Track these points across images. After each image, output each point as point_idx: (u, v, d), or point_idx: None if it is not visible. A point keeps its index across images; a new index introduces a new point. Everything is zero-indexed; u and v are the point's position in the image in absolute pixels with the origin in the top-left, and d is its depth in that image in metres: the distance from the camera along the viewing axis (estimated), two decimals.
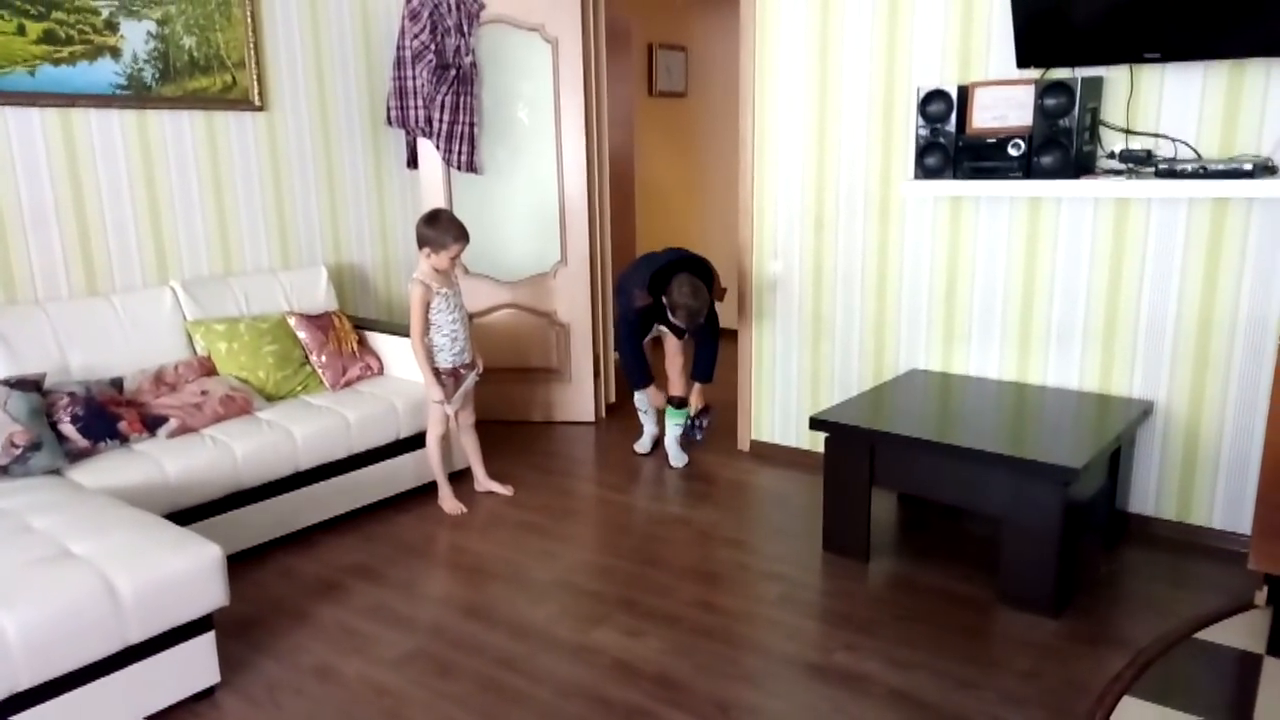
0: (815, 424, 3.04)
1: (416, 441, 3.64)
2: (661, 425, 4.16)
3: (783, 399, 4.04)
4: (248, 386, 3.47)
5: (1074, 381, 3.28)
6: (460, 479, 3.78)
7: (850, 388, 3.81)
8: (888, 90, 3.49)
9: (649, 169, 6.29)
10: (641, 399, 4.11)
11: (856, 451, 2.97)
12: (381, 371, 3.92)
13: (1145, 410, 3.05)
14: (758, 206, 3.94)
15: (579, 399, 4.63)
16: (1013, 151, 3.04)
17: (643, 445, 4.21)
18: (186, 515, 2.96)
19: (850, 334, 3.78)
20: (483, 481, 3.75)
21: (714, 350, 3.91)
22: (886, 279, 3.64)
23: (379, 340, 3.93)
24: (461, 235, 3.46)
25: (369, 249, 4.48)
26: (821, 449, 3.15)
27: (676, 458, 4.05)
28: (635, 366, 3.90)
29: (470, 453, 3.73)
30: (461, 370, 3.53)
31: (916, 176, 3.28)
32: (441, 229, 3.43)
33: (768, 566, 3.07)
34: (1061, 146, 2.94)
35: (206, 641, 2.32)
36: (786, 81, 3.74)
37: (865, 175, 3.61)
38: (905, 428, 2.93)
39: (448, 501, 3.59)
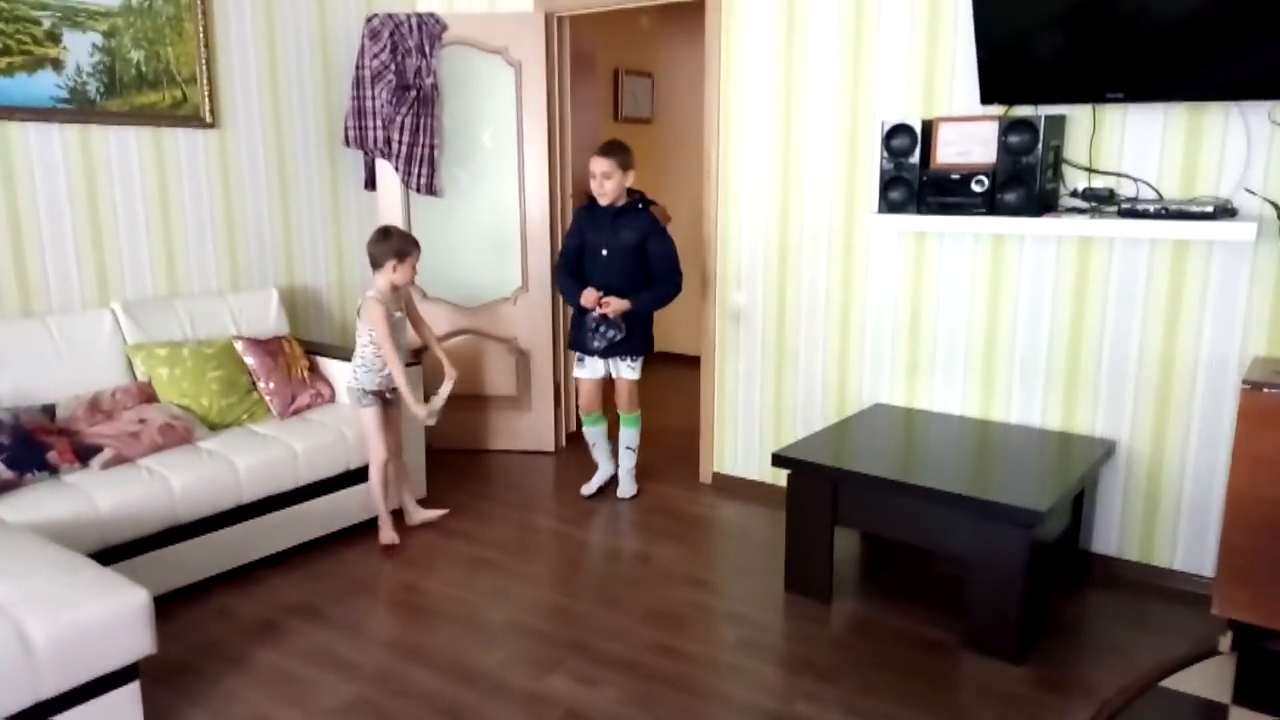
0: (778, 460, 2.98)
1: (366, 472, 3.51)
2: (615, 463, 4.05)
3: (745, 431, 3.97)
4: (190, 414, 3.32)
5: (1037, 419, 3.25)
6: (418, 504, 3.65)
7: (813, 421, 3.76)
8: (852, 121, 3.47)
9: None
10: (592, 431, 3.98)
11: (819, 490, 2.91)
12: (333, 399, 3.79)
13: (1108, 450, 3.02)
14: (722, 236, 3.89)
15: (538, 428, 4.53)
16: (976, 188, 3.02)
17: (590, 487, 3.98)
18: (118, 552, 2.81)
19: (813, 366, 3.73)
20: (413, 514, 3.61)
21: (662, 292, 3.67)
22: (850, 312, 3.60)
23: (331, 366, 3.80)
24: (417, 244, 3.49)
25: (324, 271, 4.35)
26: (784, 483, 3.08)
27: (626, 487, 3.97)
28: (568, 286, 3.74)
29: (402, 475, 3.58)
30: (388, 394, 3.43)
31: (880, 210, 3.25)
32: (400, 239, 3.41)
33: (729, 607, 2.99)
34: (1025, 184, 2.92)
35: (130, 693, 2.18)
36: (751, 110, 3.71)
37: (829, 207, 3.58)
38: (869, 466, 2.87)
39: (384, 532, 3.46)
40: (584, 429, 4.00)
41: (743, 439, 3.99)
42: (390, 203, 4.38)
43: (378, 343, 3.35)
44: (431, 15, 4.19)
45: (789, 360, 3.79)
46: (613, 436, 4.00)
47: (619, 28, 5.97)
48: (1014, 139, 2.91)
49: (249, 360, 3.58)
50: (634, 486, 3.98)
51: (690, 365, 6.37)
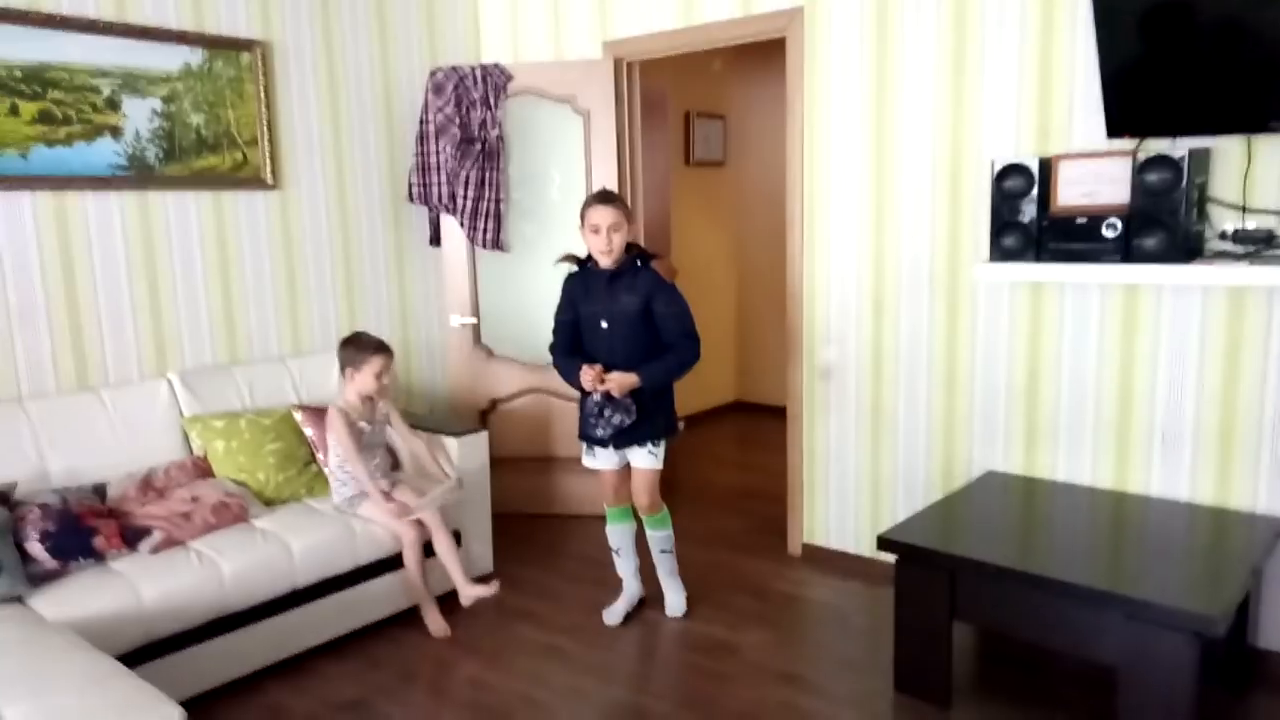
0: (885, 544, 2.62)
1: (429, 547, 3.26)
2: (643, 579, 3.34)
3: (839, 499, 3.62)
4: (245, 490, 3.14)
5: (1183, 492, 2.83)
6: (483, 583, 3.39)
7: (916, 489, 3.39)
8: (954, 163, 3.14)
9: (686, 240, 5.98)
10: (616, 532, 3.25)
11: (933, 580, 2.54)
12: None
13: (1277, 531, 2.59)
14: (808, 287, 3.58)
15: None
16: (1108, 232, 2.65)
17: (614, 615, 3.21)
18: (163, 646, 2.61)
19: (916, 429, 3.37)
20: (465, 592, 3.21)
21: (675, 362, 2.97)
22: (957, 369, 3.24)
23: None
24: (380, 348, 3.22)
25: (388, 331, 4.17)
26: (885, 556, 2.72)
27: (675, 602, 3.27)
28: (566, 366, 3.04)
29: (445, 555, 3.20)
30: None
31: (992, 259, 2.91)
32: (357, 345, 3.22)
33: (831, 711, 2.63)
34: (1165, 227, 2.55)
35: None
36: (839, 151, 3.41)
37: (930, 255, 3.24)
38: (990, 551, 2.50)
39: (432, 622, 3.18)
40: (606, 528, 3.28)
41: (836, 507, 3.63)
42: (456, 259, 4.19)
43: (341, 456, 3.16)
44: (496, 66, 4.03)
45: (887, 422, 3.44)
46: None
47: (690, 69, 5.76)
48: (1152, 177, 2.55)
49: (308, 431, 3.39)
50: (683, 598, 3.28)
51: (776, 417, 6.05)
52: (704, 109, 5.93)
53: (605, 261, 2.96)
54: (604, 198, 2.99)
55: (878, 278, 3.39)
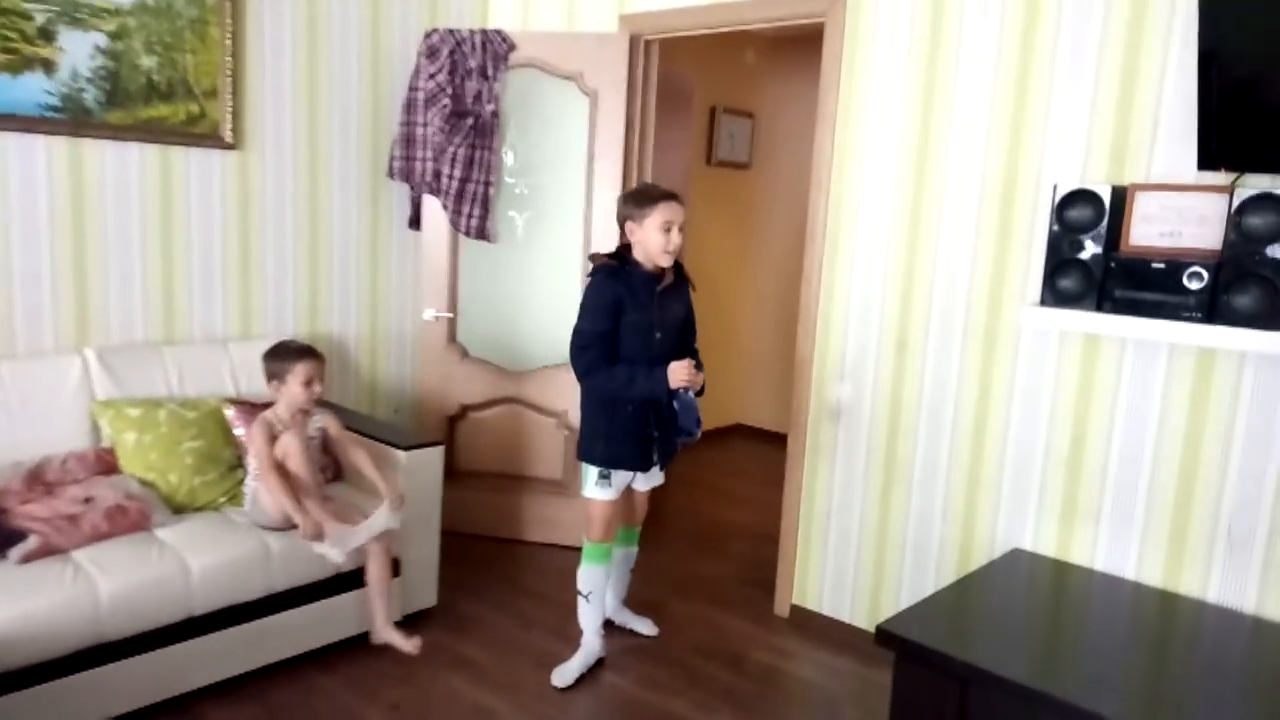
0: (885, 639, 2.16)
1: (360, 575, 2.84)
2: (602, 639, 2.93)
3: (837, 558, 3.16)
4: (152, 493, 2.72)
5: (1249, 602, 2.36)
6: (423, 619, 2.96)
7: (927, 558, 2.92)
8: (1007, 183, 2.67)
9: (697, 248, 5.53)
10: (596, 575, 2.85)
11: (941, 690, 2.08)
12: (339, 477, 3.15)
13: None
14: (824, 313, 3.12)
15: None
16: (1191, 283, 2.18)
17: (566, 674, 2.79)
18: (19, 678, 2.19)
19: (933, 487, 2.91)
20: (380, 633, 2.84)
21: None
22: (987, 425, 2.77)
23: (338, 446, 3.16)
24: (305, 352, 2.81)
25: (354, 319, 3.75)
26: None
27: (644, 622, 3.13)
28: (629, 375, 2.65)
29: (374, 587, 2.82)
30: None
31: (1044, 302, 2.44)
32: (280, 353, 2.83)
33: None
34: (1265, 283, 2.08)
35: None
36: (874, 160, 2.95)
37: (968, 290, 2.78)
38: (1016, 663, 2.04)
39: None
40: (583, 568, 2.86)
41: (833, 568, 3.17)
42: (435, 246, 3.76)
43: (254, 471, 2.74)
44: (498, 33, 3.59)
45: (900, 476, 2.98)
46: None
47: (719, 60, 5.31)
48: (1254, 220, 2.08)
49: (239, 430, 2.97)
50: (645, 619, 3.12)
51: (779, 446, 5.60)
52: (732, 105, 5.47)
53: (666, 262, 2.69)
54: (670, 194, 2.67)
55: (904, 310, 2.92)
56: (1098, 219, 2.34)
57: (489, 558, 3.65)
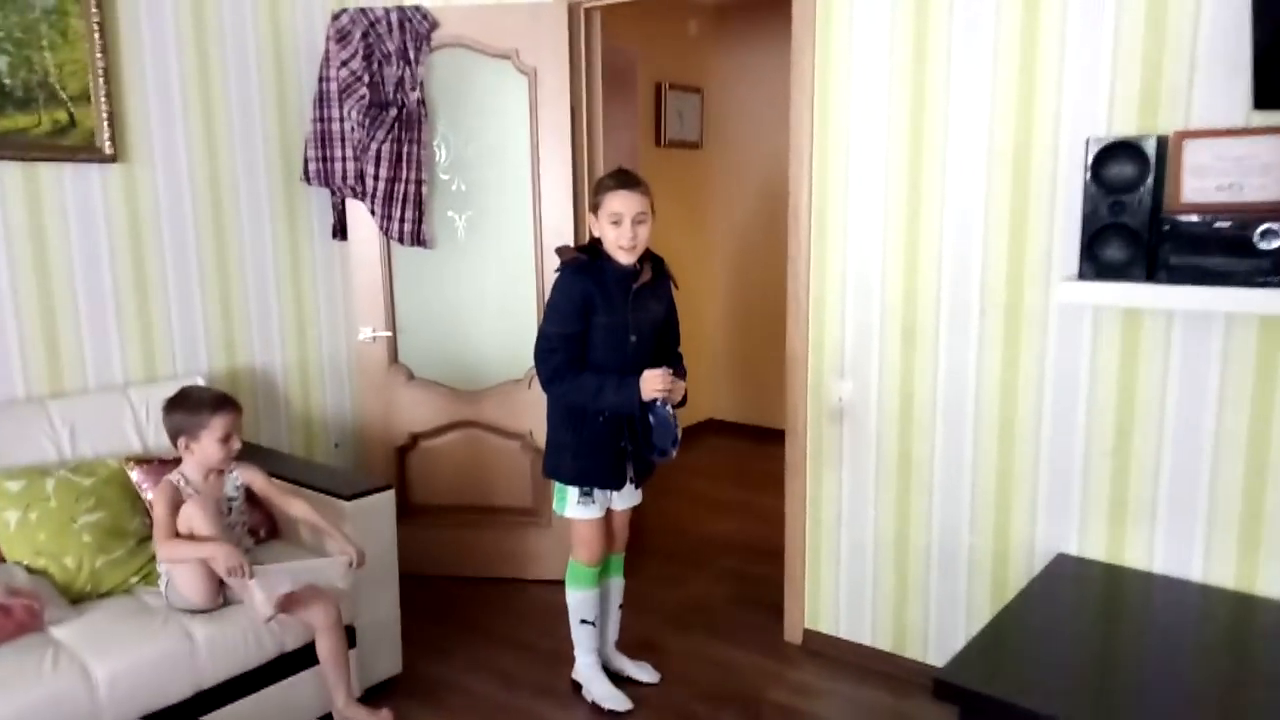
0: (945, 691, 1.82)
1: (305, 655, 2.40)
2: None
3: (853, 576, 2.82)
4: (43, 582, 2.25)
5: None
6: (389, 690, 2.54)
7: (957, 569, 2.60)
8: (1019, 144, 2.34)
9: (655, 233, 5.15)
10: (593, 601, 2.60)
11: None
12: (274, 535, 2.71)
13: None
14: (816, 302, 2.77)
15: (562, 549, 3.40)
16: (1263, 243, 1.87)
17: (615, 699, 2.58)
18: None
19: (958, 492, 2.58)
20: (342, 710, 2.41)
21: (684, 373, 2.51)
22: (1016, 417, 2.45)
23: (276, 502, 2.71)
24: (221, 403, 2.35)
25: (278, 347, 3.29)
26: (912, 654, 2.01)
27: (643, 667, 2.73)
28: (599, 384, 2.36)
29: (327, 663, 2.39)
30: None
31: (1084, 275, 2.11)
32: (188, 406, 2.35)
33: None
34: None
35: None
36: (862, 131, 2.59)
37: (982, 267, 2.44)
38: (1110, 708, 1.71)
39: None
40: (578, 596, 2.60)
41: (848, 586, 2.84)
42: (365, 256, 3.31)
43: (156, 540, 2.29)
44: (417, 9, 3.14)
45: (919, 480, 2.64)
46: None
47: (662, 32, 4.91)
48: None
49: (148, 495, 2.50)
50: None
51: (760, 440, 5.27)
52: (678, 80, 5.07)
53: (626, 259, 2.38)
54: (625, 180, 2.39)
55: (910, 293, 2.58)
56: (1141, 176, 2.01)
57: (456, 603, 3.24)
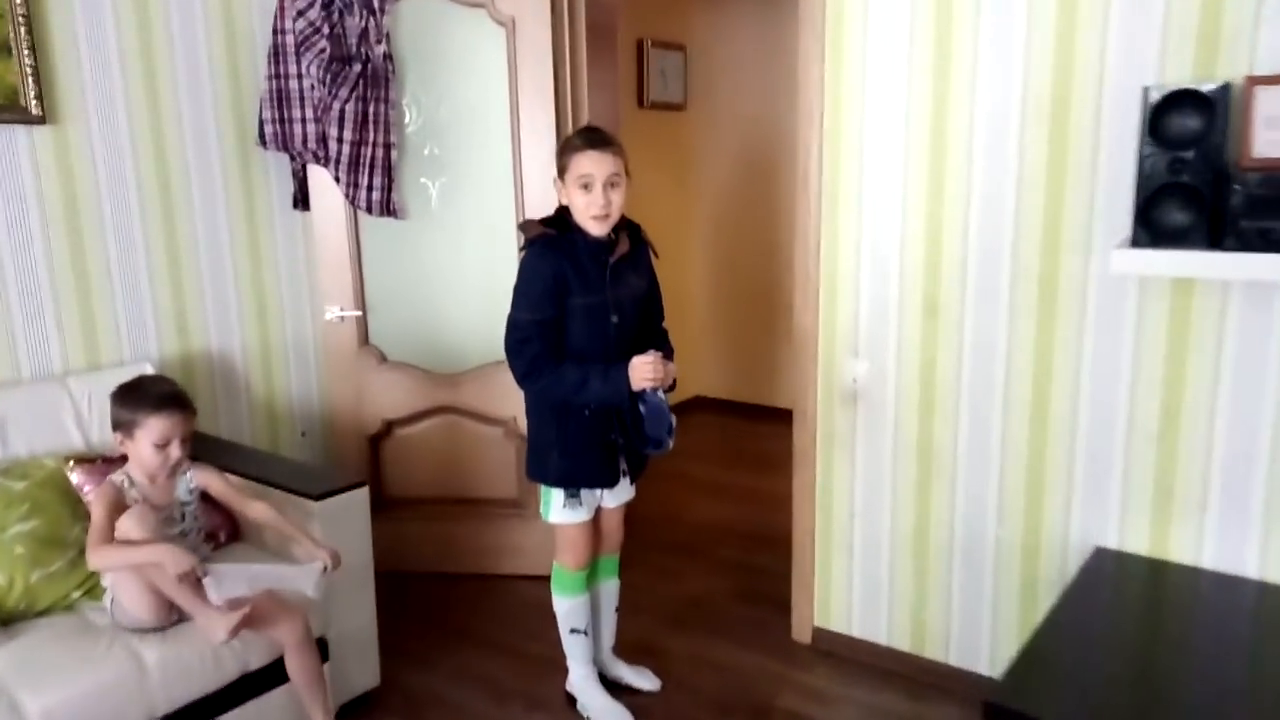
0: (998, 715, 1.61)
1: (273, 673, 2.16)
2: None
3: (867, 570, 2.62)
4: None
5: None
6: (368, 706, 2.32)
7: (982, 563, 2.40)
8: (1058, 96, 2.11)
9: (639, 200, 4.88)
10: (583, 607, 2.38)
11: None
12: (236, 537, 2.45)
13: None
14: (828, 275, 2.53)
15: (546, 542, 3.16)
16: None
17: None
18: None
19: (984, 479, 2.37)
20: None
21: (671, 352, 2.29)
22: (1050, 399, 2.24)
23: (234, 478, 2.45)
24: (165, 403, 2.05)
25: (237, 329, 3.01)
26: (932, 654, 1.85)
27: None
28: (582, 376, 2.10)
29: (300, 683, 2.13)
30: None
31: (1137, 242, 1.89)
32: (129, 398, 2.06)
33: None
34: None
35: None
36: (878, 85, 2.35)
37: (1014, 235, 2.22)
38: None
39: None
40: (568, 603, 2.37)
41: (862, 581, 2.63)
42: (330, 228, 3.03)
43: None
44: None
45: (940, 467, 2.43)
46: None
47: None
48: None
49: (91, 496, 2.23)
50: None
51: (752, 417, 5.05)
52: (661, 37, 4.79)
53: (602, 230, 2.13)
54: (595, 139, 2.12)
55: (932, 263, 2.35)
56: (1206, 129, 1.79)
57: (436, 603, 3.01)
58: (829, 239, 2.51)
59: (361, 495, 2.37)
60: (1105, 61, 2.04)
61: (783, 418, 5.09)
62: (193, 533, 2.16)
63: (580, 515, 2.29)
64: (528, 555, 3.16)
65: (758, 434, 4.75)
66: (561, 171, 2.13)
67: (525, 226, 2.18)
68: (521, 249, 2.16)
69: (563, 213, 2.16)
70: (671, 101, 4.88)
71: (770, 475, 4.17)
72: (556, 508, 2.28)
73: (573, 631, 2.40)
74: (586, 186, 2.08)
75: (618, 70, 4.49)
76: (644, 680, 2.52)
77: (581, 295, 2.11)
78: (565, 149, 2.13)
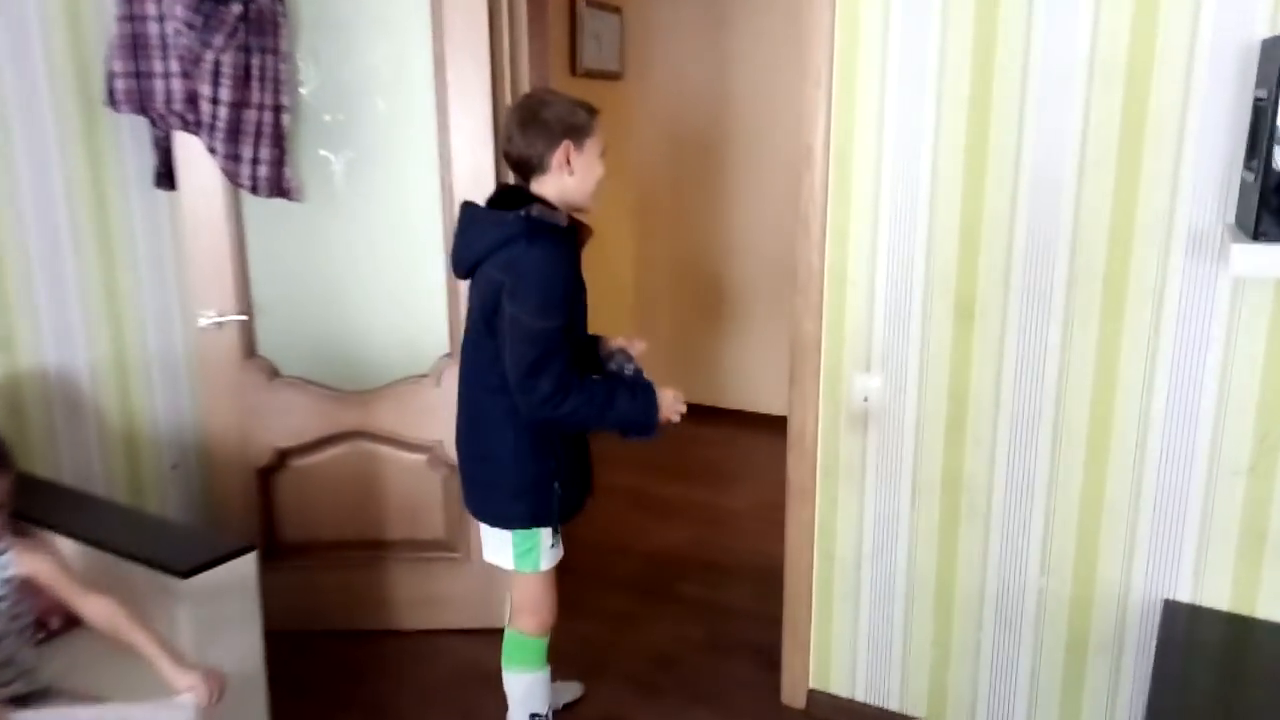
0: None
1: None
2: None
3: (875, 623, 2.20)
4: None
5: None
6: None
7: (1019, 618, 2.01)
8: (1135, 49, 1.70)
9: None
10: (538, 688, 1.97)
11: None
12: (74, 623, 1.84)
13: None
14: (834, 271, 2.08)
15: (483, 590, 2.64)
16: None
17: None
18: None
19: (1025, 517, 1.98)
20: None
21: None
22: (1112, 423, 1.85)
23: (69, 543, 1.84)
24: None
25: (83, 340, 2.37)
26: None
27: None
28: (609, 398, 1.79)
29: None
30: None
31: (1263, 235, 1.49)
32: None
33: None
34: None
35: None
36: (904, 40, 1.90)
37: (1074, 223, 1.81)
38: None
39: None
40: (526, 675, 1.97)
41: (870, 636, 2.21)
42: (205, 213, 2.41)
43: None
44: None
45: (971, 504, 2.03)
46: None
47: None
48: None
49: None
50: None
51: (703, 422, 4.61)
52: None
53: (593, 206, 1.89)
54: (591, 106, 1.87)
55: (968, 257, 1.93)
56: None
57: (346, 671, 2.46)
58: (837, 226, 2.06)
59: (247, 566, 1.80)
60: (1200, 9, 1.63)
61: (732, 420, 4.75)
62: (9, 636, 1.57)
63: (559, 556, 1.94)
64: (458, 606, 2.63)
65: (703, 439, 4.31)
66: (580, 140, 1.78)
67: (544, 211, 1.75)
68: (529, 237, 1.71)
69: (529, 194, 1.80)
70: (608, 70, 4.36)
71: (724, 488, 3.76)
72: (546, 550, 1.89)
73: (533, 717, 1.92)
74: (603, 157, 1.85)
75: (548, 32, 3.95)
76: (569, 691, 2.13)
77: (581, 296, 1.80)
78: (577, 114, 1.79)
